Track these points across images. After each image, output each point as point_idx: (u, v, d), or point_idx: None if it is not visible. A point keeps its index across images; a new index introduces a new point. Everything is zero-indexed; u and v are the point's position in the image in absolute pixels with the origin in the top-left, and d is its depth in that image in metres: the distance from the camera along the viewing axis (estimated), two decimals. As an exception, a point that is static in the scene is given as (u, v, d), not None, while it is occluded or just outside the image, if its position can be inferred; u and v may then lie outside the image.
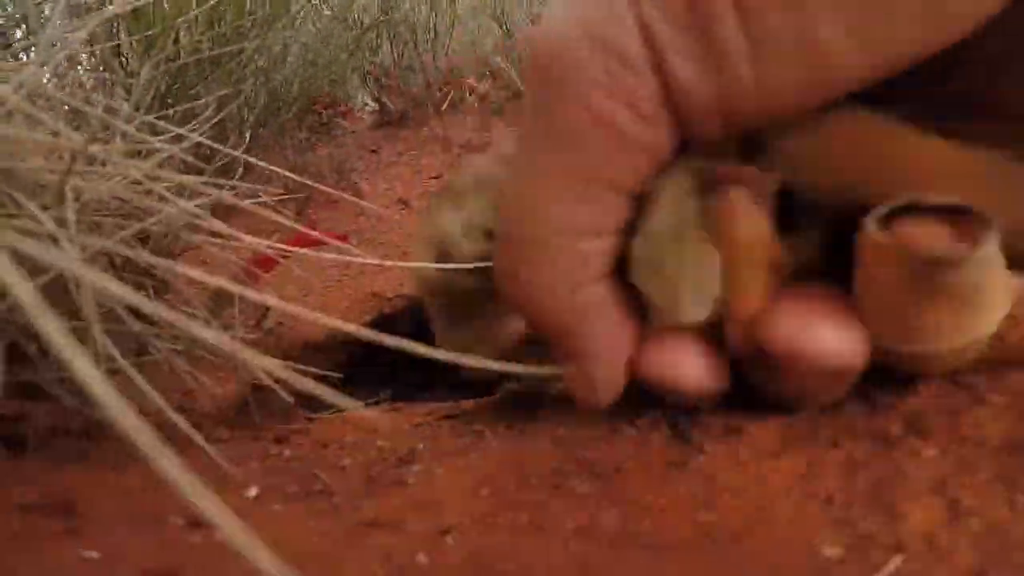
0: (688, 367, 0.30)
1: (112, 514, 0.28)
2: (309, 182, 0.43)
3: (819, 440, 0.30)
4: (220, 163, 0.45)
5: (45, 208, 0.26)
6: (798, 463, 0.29)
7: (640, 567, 0.24)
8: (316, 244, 0.57)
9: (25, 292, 0.11)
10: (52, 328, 0.11)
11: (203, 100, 0.60)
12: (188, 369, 0.45)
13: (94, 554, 0.25)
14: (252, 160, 0.40)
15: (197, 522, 0.29)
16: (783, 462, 0.29)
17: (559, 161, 0.26)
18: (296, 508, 0.35)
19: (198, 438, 0.29)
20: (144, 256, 0.21)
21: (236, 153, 0.38)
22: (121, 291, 0.13)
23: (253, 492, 0.35)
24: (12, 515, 0.25)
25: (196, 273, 0.23)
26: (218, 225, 0.33)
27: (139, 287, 0.46)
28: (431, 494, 0.35)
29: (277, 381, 0.43)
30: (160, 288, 0.60)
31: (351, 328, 0.20)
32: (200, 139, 0.36)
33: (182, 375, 0.45)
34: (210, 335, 0.46)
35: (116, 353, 0.26)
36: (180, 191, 0.38)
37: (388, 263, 0.43)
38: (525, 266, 0.29)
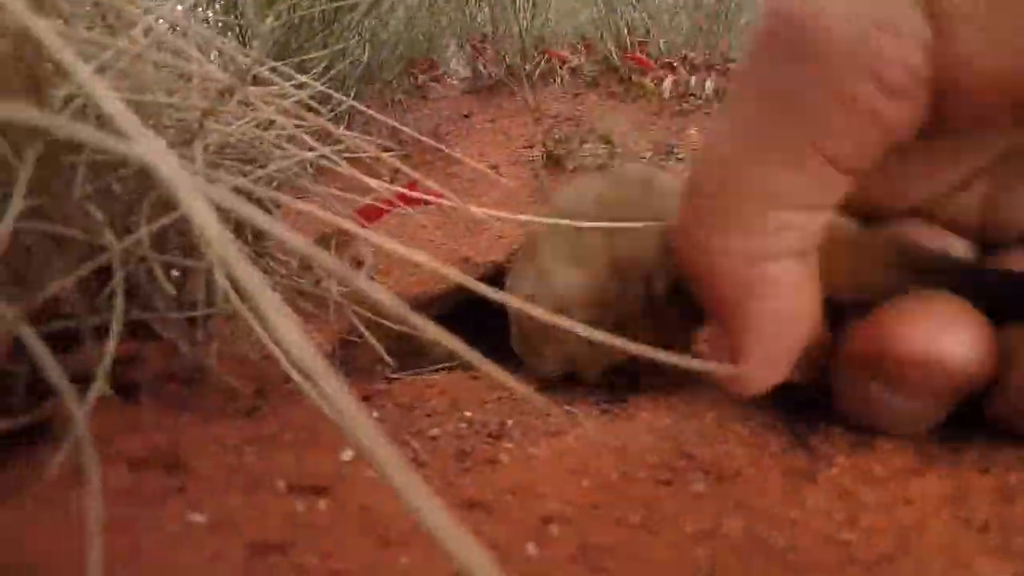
0: (958, 337, 0.27)
1: (217, 472, 0.27)
2: (418, 135, 0.42)
3: (963, 463, 0.28)
4: (329, 116, 0.43)
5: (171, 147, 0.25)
6: (944, 486, 0.26)
7: (776, 584, 0.22)
8: (417, 202, 0.56)
9: (209, 222, 0.10)
10: (242, 266, 0.10)
11: (315, 55, 0.59)
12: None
13: (200, 518, 0.24)
14: (361, 108, 0.39)
15: (300, 488, 0.28)
16: (927, 483, 0.26)
17: (777, 126, 0.25)
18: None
19: (316, 387, 0.28)
20: (270, 193, 0.19)
21: (349, 101, 0.37)
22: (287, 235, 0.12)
23: (348, 455, 0.34)
24: (122, 468, 0.24)
25: (312, 207, 0.22)
26: (345, 169, 0.32)
27: (238, 234, 0.46)
28: (527, 476, 0.34)
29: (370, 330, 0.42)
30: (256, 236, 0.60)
31: (465, 280, 0.19)
32: (321, 87, 0.34)
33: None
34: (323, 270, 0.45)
35: (232, 292, 0.25)
36: (292, 140, 0.37)
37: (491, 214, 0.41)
38: (710, 229, 0.27)
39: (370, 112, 0.41)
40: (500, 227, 0.85)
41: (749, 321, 0.28)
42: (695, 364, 0.21)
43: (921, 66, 0.23)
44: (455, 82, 1.57)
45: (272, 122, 0.35)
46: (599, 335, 0.18)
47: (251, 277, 0.10)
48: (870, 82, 0.23)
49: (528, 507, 0.30)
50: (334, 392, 0.10)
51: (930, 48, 0.23)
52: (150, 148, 0.12)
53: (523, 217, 0.38)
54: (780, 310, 0.27)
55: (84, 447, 0.18)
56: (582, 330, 0.19)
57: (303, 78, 0.34)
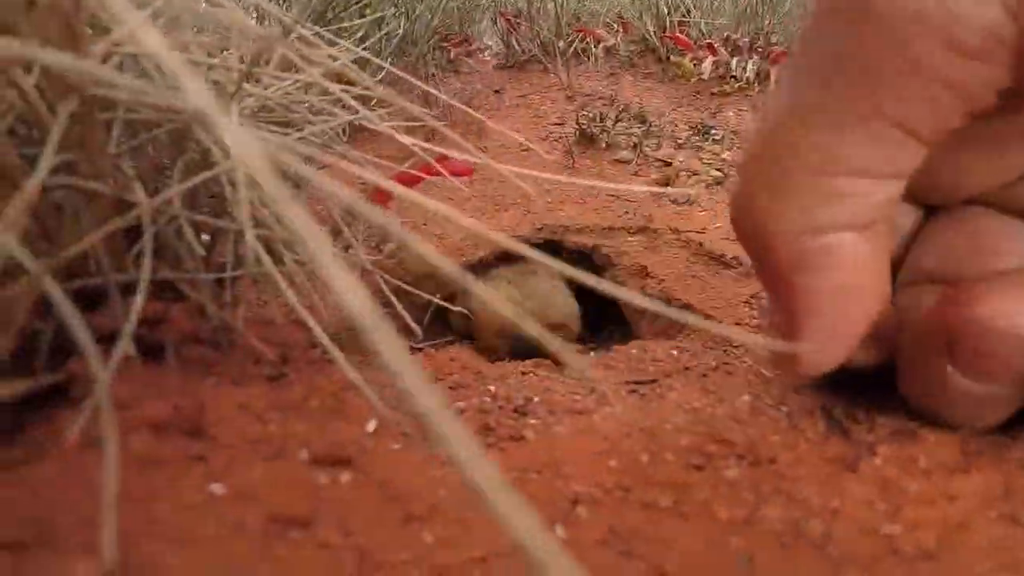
0: None
1: (239, 439, 0.27)
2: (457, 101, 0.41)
3: (1009, 461, 0.27)
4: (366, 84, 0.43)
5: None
6: (992, 482, 0.25)
7: (817, 574, 0.21)
8: (442, 173, 0.56)
9: (260, 167, 0.09)
10: (301, 220, 0.09)
11: (352, 23, 0.58)
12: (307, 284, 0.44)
13: (221, 488, 0.24)
14: (399, 72, 0.38)
15: (322, 459, 0.27)
16: (973, 478, 0.25)
17: (841, 88, 0.24)
18: (414, 450, 0.33)
19: (341, 357, 0.27)
20: (311, 150, 0.19)
21: (387, 66, 0.36)
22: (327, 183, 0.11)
23: (372, 426, 0.34)
24: (144, 434, 0.24)
25: (354, 165, 0.21)
26: (385, 129, 0.31)
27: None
28: (553, 455, 0.33)
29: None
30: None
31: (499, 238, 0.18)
32: (360, 52, 0.34)
33: (301, 289, 0.44)
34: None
35: (263, 254, 0.25)
36: (334, 103, 0.36)
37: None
38: (768, 198, 0.26)
39: (407, 78, 0.40)
40: (528, 203, 0.84)
41: (806, 296, 0.26)
42: (757, 341, 0.20)
43: (1002, 25, 0.21)
44: (487, 57, 1.56)
45: (310, 86, 0.35)
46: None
47: (305, 223, 0.09)
48: (940, 44, 0.22)
49: (554, 487, 0.29)
50: (390, 346, 0.09)
51: (1012, 5, 0.21)
52: (200, 96, 0.12)
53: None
54: (840, 285, 0.26)
55: (104, 413, 0.17)
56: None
57: (344, 42, 0.33)
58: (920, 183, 0.26)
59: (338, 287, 0.11)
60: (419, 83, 0.34)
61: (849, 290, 0.26)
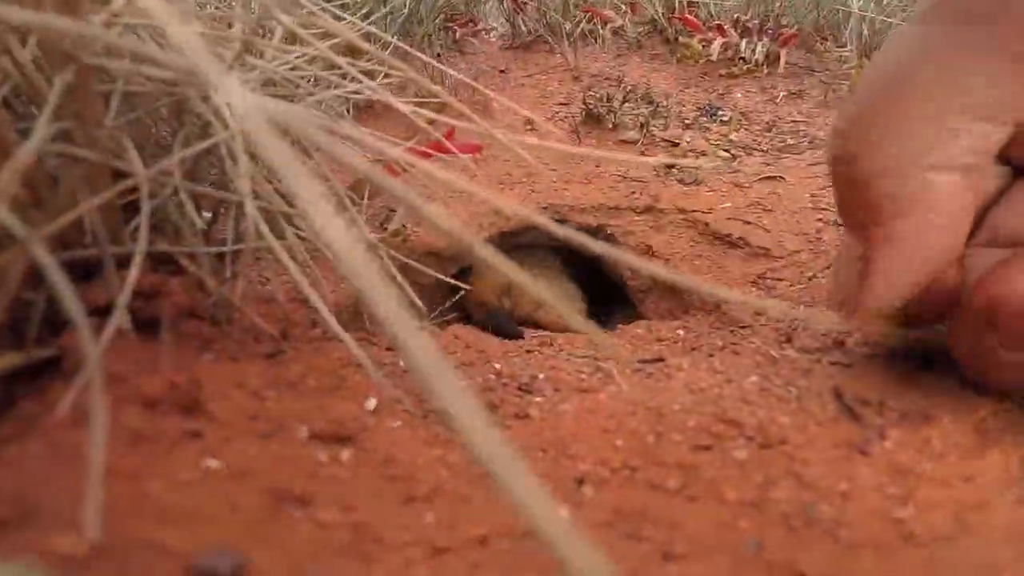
0: None
1: (236, 416, 0.26)
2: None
3: (1025, 440, 0.26)
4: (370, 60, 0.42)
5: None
6: (1010, 463, 0.25)
7: (828, 558, 0.21)
8: (447, 152, 0.55)
9: (277, 148, 0.09)
10: (305, 183, 0.09)
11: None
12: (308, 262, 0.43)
13: (217, 464, 0.23)
14: (406, 49, 0.37)
15: (322, 436, 0.27)
16: (990, 459, 0.25)
17: (999, 29, 0.24)
18: (414, 429, 0.33)
19: (346, 336, 0.27)
20: (322, 120, 0.18)
21: (394, 40, 0.35)
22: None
23: (372, 404, 0.33)
24: (137, 409, 0.23)
25: (365, 135, 0.20)
26: (394, 101, 0.30)
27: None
28: (558, 433, 0.33)
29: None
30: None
31: (525, 212, 0.18)
32: (365, 27, 0.33)
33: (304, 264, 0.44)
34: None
35: (263, 225, 0.24)
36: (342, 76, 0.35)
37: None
38: (879, 134, 0.26)
39: (415, 53, 0.39)
40: (533, 183, 0.83)
41: (892, 227, 0.27)
42: (777, 305, 0.20)
43: None
44: (493, 39, 1.54)
45: (314, 59, 0.34)
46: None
47: (309, 186, 0.09)
48: None
49: (560, 466, 0.29)
50: (398, 319, 0.08)
51: None
52: (202, 58, 0.11)
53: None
54: (929, 222, 0.26)
55: (94, 387, 0.17)
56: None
57: (348, 16, 0.32)
58: (1019, 141, 0.26)
59: (341, 255, 0.10)
60: (428, 59, 0.33)
61: (935, 229, 0.27)
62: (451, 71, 0.37)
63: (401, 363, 0.46)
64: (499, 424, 0.35)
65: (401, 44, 0.37)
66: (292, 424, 0.27)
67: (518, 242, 0.77)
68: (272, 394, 0.29)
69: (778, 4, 1.35)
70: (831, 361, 0.37)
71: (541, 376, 0.42)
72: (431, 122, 0.83)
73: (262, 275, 0.41)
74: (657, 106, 1.02)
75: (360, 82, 0.34)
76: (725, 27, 1.14)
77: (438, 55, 1.23)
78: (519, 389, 0.40)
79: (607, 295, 0.72)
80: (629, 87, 1.13)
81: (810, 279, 0.57)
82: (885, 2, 0.99)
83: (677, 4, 1.33)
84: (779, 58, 1.10)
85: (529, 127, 0.99)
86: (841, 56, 1.07)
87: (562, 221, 0.76)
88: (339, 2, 0.69)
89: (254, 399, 0.29)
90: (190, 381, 0.25)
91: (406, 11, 1.02)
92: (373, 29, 0.40)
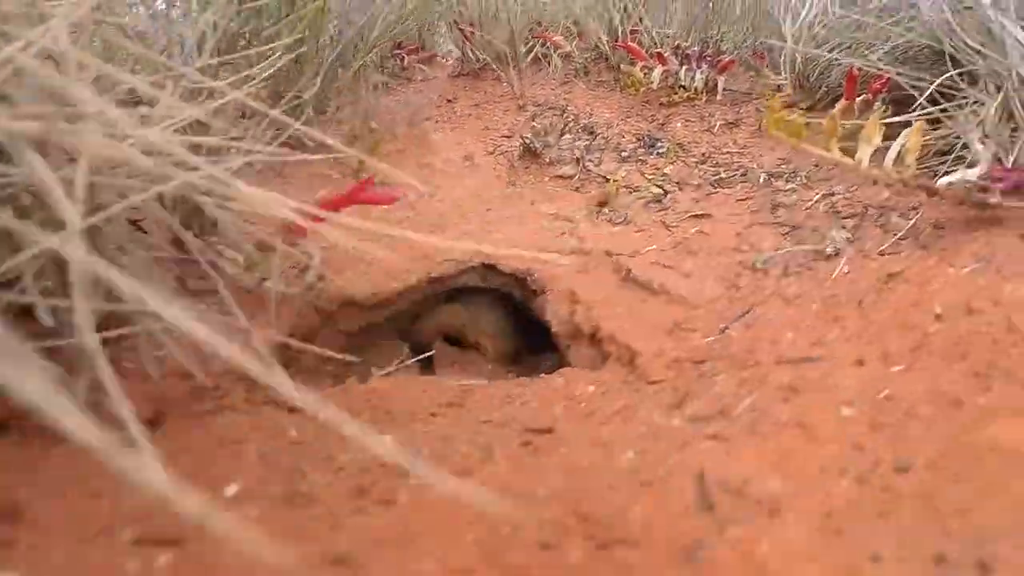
0: None
1: (60, 520, 0.25)
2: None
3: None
4: (289, 105, 0.42)
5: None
6: None
7: None
8: (364, 202, 0.54)
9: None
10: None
11: (276, 43, 0.57)
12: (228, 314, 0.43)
13: (16, 576, 0.23)
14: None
15: (145, 539, 0.26)
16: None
17: None
18: (271, 522, 0.32)
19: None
20: (224, 186, 0.17)
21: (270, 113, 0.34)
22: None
23: (233, 490, 0.33)
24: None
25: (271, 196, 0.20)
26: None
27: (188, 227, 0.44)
28: (414, 527, 0.32)
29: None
30: (208, 229, 0.58)
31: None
32: (273, 74, 0.32)
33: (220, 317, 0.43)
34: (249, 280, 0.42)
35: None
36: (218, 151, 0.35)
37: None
38: None
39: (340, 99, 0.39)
40: (466, 225, 0.82)
41: None
42: None
43: None
44: (449, 62, 1.54)
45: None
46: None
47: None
48: None
49: (398, 567, 0.28)
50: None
51: None
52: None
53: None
54: None
55: None
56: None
57: (254, 69, 0.31)
58: None
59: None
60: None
61: None
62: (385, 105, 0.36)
63: (293, 432, 0.46)
64: (363, 511, 0.34)
65: (302, 129, 0.36)
66: (119, 526, 0.27)
67: (454, 285, 0.77)
68: (110, 490, 0.29)
69: (717, 31, 1.36)
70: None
71: (426, 451, 0.42)
72: (361, 163, 0.82)
73: (131, 357, 0.41)
74: (596, 137, 1.02)
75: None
76: (665, 55, 1.14)
77: (383, 83, 1.23)
78: (397, 471, 0.39)
79: (541, 340, 0.72)
80: (571, 117, 1.13)
81: (723, 331, 0.56)
82: (815, 33, 1.00)
83: (621, 31, 1.33)
84: (716, 86, 1.11)
85: (467, 162, 0.98)
86: (779, 85, 1.08)
87: (492, 266, 0.75)
88: (270, 31, 0.68)
89: (89, 499, 0.28)
90: (10, 486, 0.25)
91: (345, 41, 1.01)
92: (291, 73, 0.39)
